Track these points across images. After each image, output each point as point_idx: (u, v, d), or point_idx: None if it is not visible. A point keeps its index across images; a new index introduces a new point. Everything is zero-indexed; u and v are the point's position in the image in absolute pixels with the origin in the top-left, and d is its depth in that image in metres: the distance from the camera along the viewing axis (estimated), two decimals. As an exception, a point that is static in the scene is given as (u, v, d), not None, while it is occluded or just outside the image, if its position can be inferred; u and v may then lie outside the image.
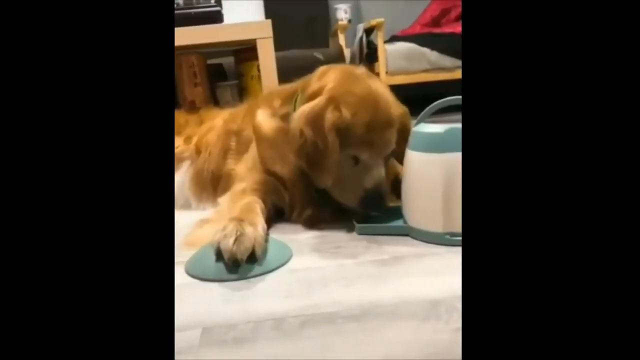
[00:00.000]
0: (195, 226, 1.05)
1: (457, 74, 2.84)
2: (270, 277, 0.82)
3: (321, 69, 1.11)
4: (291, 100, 1.10)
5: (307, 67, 1.38)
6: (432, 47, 2.85)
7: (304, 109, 0.99)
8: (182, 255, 0.91)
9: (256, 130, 1.13)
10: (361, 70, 1.09)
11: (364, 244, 0.94)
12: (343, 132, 0.97)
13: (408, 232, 0.95)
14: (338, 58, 2.77)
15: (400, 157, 1.05)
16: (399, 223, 0.98)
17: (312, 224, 1.06)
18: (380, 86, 1.05)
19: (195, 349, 0.61)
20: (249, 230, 0.84)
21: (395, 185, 1.18)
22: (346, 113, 0.97)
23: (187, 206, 1.35)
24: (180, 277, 0.84)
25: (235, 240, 0.81)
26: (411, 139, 0.95)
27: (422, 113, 0.95)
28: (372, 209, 1.01)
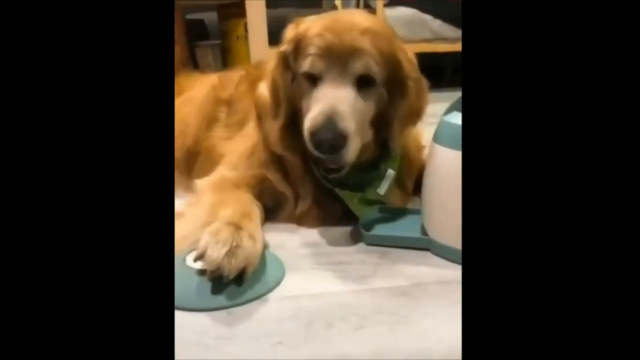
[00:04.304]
0: None
1: (460, 46, 2.63)
2: (256, 307, 0.63)
3: None
4: None
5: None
6: (436, 14, 2.62)
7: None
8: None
9: (259, 104, 0.92)
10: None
11: (373, 259, 0.75)
12: (298, 47, 0.82)
13: (428, 246, 0.77)
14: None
15: (399, 115, 0.84)
16: (415, 232, 0.80)
17: (316, 222, 0.89)
18: (359, 11, 0.91)
19: None
20: (247, 244, 0.66)
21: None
22: (301, 27, 0.84)
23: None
24: (139, 300, 0.65)
25: (229, 251, 0.63)
26: (438, 130, 0.76)
27: (456, 100, 0.76)
28: (322, 149, 0.75)
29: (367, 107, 0.80)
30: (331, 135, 0.73)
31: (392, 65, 0.81)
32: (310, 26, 0.81)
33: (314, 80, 0.79)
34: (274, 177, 0.90)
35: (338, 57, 0.77)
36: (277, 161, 0.90)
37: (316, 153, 0.76)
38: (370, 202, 0.86)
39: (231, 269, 0.62)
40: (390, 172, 0.87)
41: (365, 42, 0.77)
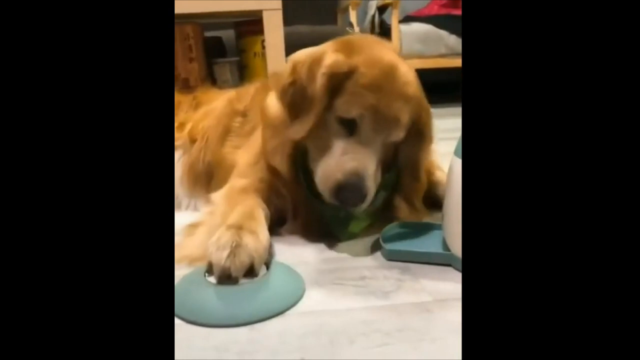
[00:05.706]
0: (184, 233, 0.86)
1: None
2: (278, 323, 0.62)
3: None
4: None
5: (314, 45, 1.19)
6: (451, 30, 2.62)
7: (304, 50, 0.85)
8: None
9: (263, 113, 0.93)
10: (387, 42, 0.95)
11: (395, 274, 0.74)
12: (341, 80, 0.79)
13: (449, 262, 0.76)
14: (348, 37, 2.55)
15: (410, 161, 0.88)
16: (437, 247, 0.79)
17: (309, 232, 0.89)
18: (402, 60, 0.87)
19: None
20: (247, 240, 0.68)
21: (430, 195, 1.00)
22: (351, 58, 0.80)
23: (177, 205, 1.15)
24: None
25: (230, 252, 0.65)
26: (459, 144, 0.75)
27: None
28: (343, 204, 0.79)
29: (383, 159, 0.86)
30: (357, 196, 0.78)
31: (415, 123, 0.86)
32: (364, 72, 0.78)
33: (348, 124, 0.80)
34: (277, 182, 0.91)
35: (381, 121, 0.80)
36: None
37: (334, 202, 0.79)
38: (355, 219, 0.87)
39: (237, 267, 0.65)
40: (382, 194, 0.88)
41: (405, 115, 0.81)
